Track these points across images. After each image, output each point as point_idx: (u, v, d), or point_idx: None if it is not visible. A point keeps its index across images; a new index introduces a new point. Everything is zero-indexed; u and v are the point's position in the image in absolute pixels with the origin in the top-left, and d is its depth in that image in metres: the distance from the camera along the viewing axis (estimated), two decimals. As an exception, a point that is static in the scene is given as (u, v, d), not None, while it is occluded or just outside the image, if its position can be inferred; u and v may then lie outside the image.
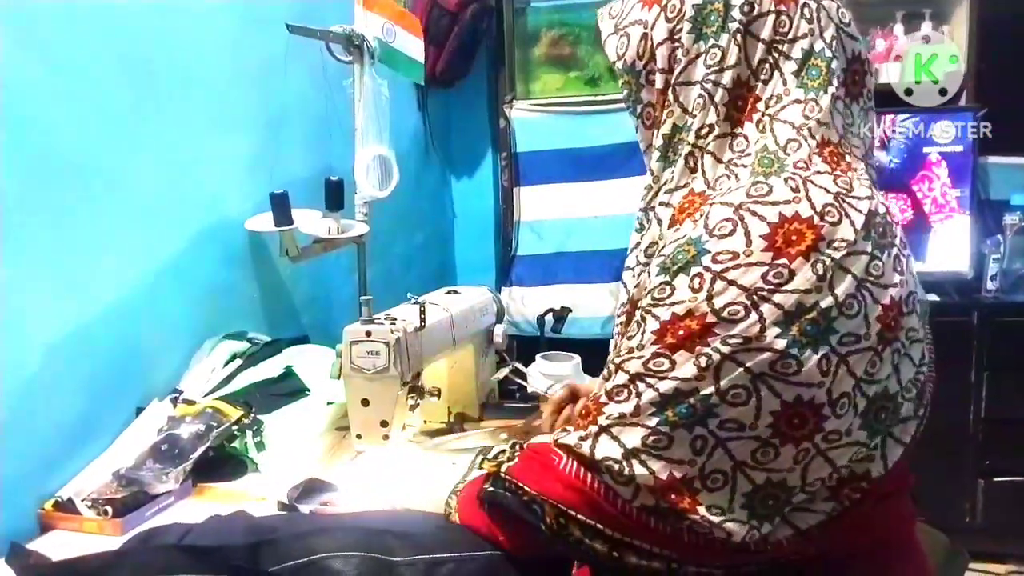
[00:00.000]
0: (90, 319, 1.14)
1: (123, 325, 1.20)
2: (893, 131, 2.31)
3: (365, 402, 1.11)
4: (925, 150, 2.31)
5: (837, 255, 0.69)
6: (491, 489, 0.81)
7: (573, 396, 1.09)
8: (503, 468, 0.81)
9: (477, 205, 2.70)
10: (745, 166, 0.76)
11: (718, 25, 0.77)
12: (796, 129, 0.75)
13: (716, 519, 0.70)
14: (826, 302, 0.68)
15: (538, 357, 1.65)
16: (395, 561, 0.77)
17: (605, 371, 0.78)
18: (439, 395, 1.20)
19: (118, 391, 1.19)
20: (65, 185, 1.10)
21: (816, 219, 0.69)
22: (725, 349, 0.68)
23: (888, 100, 2.26)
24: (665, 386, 0.70)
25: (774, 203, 0.70)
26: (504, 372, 1.51)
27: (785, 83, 0.77)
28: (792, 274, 0.68)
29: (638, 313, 0.75)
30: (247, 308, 1.53)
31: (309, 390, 1.33)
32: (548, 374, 1.61)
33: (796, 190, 0.71)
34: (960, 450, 2.26)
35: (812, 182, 0.72)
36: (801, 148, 0.74)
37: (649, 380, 0.71)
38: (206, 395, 1.28)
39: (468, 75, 2.53)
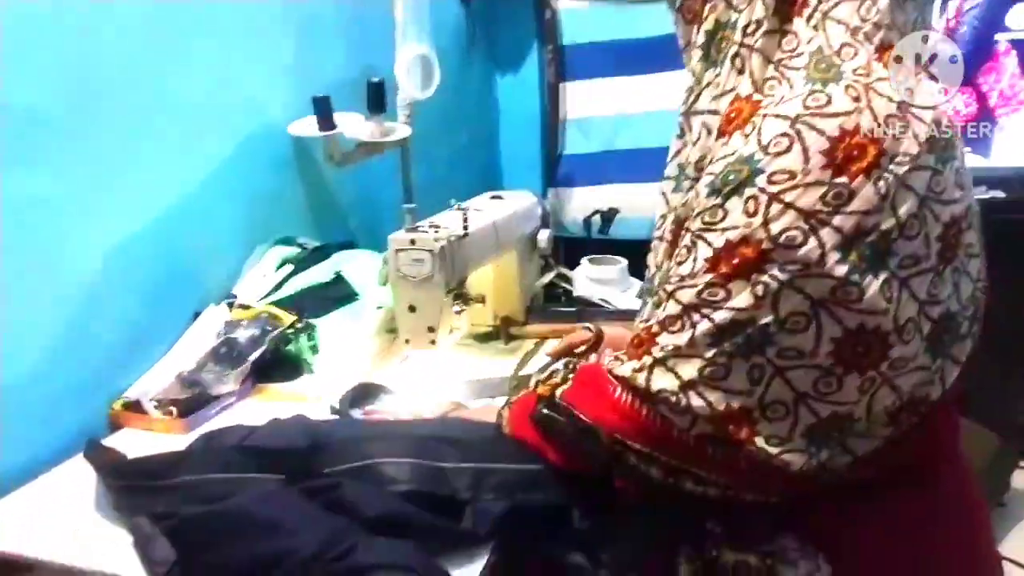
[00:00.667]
0: (144, 228, 1.17)
1: (176, 233, 1.23)
2: (959, 20, 2.16)
3: (412, 308, 1.13)
4: (994, 38, 2.15)
5: (900, 171, 0.65)
6: (546, 412, 0.80)
7: (597, 340, 1.06)
8: (558, 392, 0.80)
9: (522, 102, 2.63)
10: (797, 68, 0.70)
11: None
12: (851, 31, 0.70)
13: (774, 450, 0.69)
14: (887, 224, 0.65)
15: (584, 260, 1.66)
16: (446, 467, 0.79)
17: (656, 297, 0.76)
18: (484, 301, 1.21)
19: (175, 296, 1.24)
20: (111, 100, 1.10)
21: (878, 132, 0.64)
22: (783, 276, 0.65)
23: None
24: (721, 317, 0.67)
25: (834, 115, 0.65)
26: (549, 277, 1.52)
27: None
28: (852, 194, 0.64)
29: (687, 236, 0.71)
30: (295, 213, 1.55)
31: (359, 295, 1.36)
32: (594, 278, 1.61)
33: (857, 99, 0.66)
34: (1016, 349, 2.22)
35: (874, 89, 0.66)
36: (859, 54, 0.69)
37: (704, 311, 0.68)
38: (259, 300, 1.32)
39: (511, -36, 2.44)
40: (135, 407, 1.08)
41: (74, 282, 1.06)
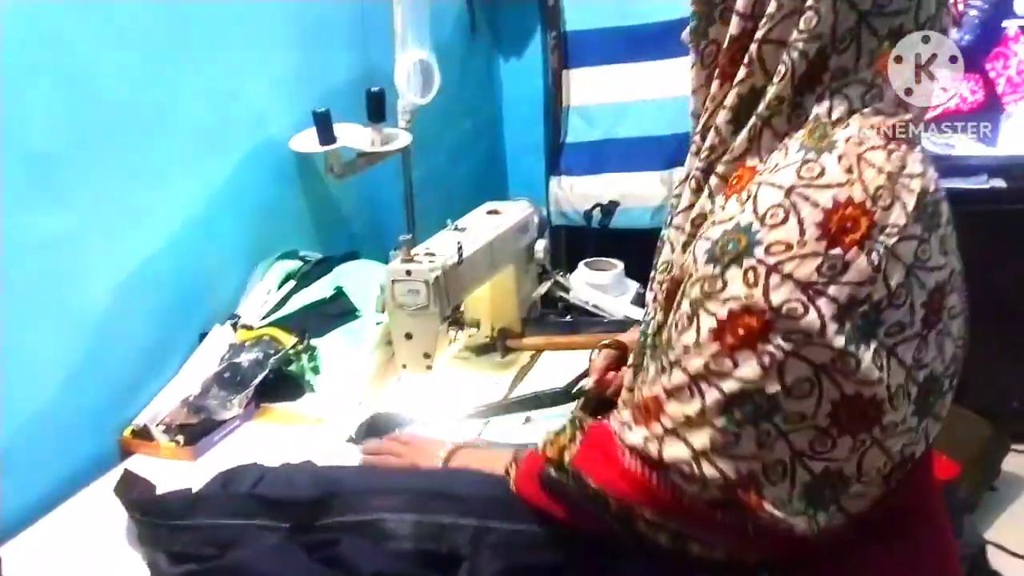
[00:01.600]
0: (152, 253, 1.20)
1: (182, 255, 1.26)
2: (967, 3, 2.13)
3: (408, 335, 1.16)
4: (1003, 24, 2.13)
5: (890, 242, 0.67)
6: (554, 476, 0.81)
7: (621, 353, 1.08)
8: (566, 457, 0.80)
9: (526, 88, 2.62)
10: (795, 137, 0.72)
11: None
12: (851, 112, 0.72)
13: (780, 514, 0.71)
14: (879, 294, 0.67)
15: (581, 265, 1.68)
16: (445, 523, 0.82)
17: (657, 362, 0.76)
18: (478, 326, 1.25)
19: (182, 319, 1.28)
20: (116, 127, 1.13)
21: (869, 204, 0.66)
22: (788, 346, 0.67)
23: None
24: (729, 387, 0.69)
25: (827, 186, 0.67)
26: (546, 287, 1.55)
27: (858, 59, 0.72)
28: (847, 266, 0.66)
29: (687, 304, 0.72)
30: (298, 226, 1.58)
31: (359, 311, 1.39)
32: (591, 283, 1.64)
33: (849, 171, 0.67)
34: (1013, 338, 2.25)
35: (866, 160, 0.68)
36: (851, 124, 0.71)
37: (712, 380, 0.70)
38: (263, 318, 1.36)
39: (515, -52, 2.41)
40: (144, 433, 1.13)
41: (85, 314, 1.10)
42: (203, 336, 1.30)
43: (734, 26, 0.74)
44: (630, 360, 0.95)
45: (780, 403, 0.69)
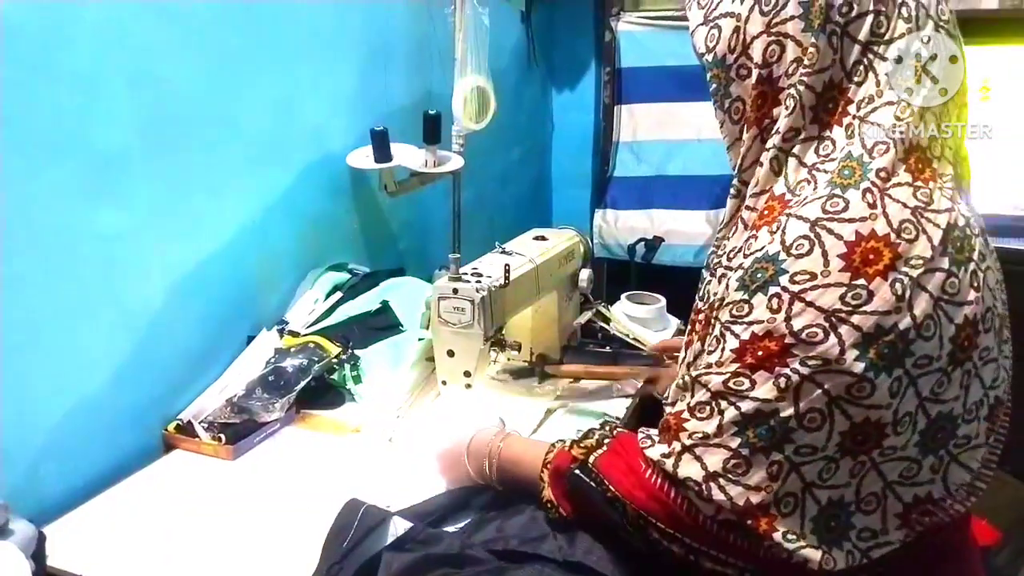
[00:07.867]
0: (206, 257, 1.24)
1: (235, 261, 1.30)
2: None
3: (451, 353, 1.18)
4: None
5: (914, 273, 0.69)
6: (577, 473, 0.85)
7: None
8: (591, 458, 0.85)
9: (577, 120, 2.66)
10: (826, 171, 0.75)
11: (819, 22, 0.75)
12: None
13: (791, 546, 0.73)
14: (904, 323, 0.69)
15: (623, 297, 1.69)
16: None
17: (681, 381, 0.81)
18: (519, 349, 1.25)
19: (231, 322, 1.31)
20: (181, 131, 1.17)
21: (893, 237, 0.70)
22: (804, 370, 0.70)
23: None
24: (746, 406, 0.72)
25: (850, 220, 0.71)
26: (587, 316, 1.55)
27: (878, 84, 0.75)
28: (871, 295, 0.69)
29: (717, 327, 0.77)
30: (348, 240, 1.61)
31: (403, 326, 1.41)
32: (632, 316, 1.64)
33: (873, 205, 0.71)
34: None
35: (890, 195, 0.72)
36: (887, 153, 0.73)
37: (731, 399, 0.73)
38: (309, 326, 1.38)
39: (575, -16, 2.46)
40: (187, 429, 1.15)
41: (138, 310, 1.13)
42: (251, 339, 1.32)
43: (754, 77, 0.79)
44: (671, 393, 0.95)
45: (792, 432, 0.71)
